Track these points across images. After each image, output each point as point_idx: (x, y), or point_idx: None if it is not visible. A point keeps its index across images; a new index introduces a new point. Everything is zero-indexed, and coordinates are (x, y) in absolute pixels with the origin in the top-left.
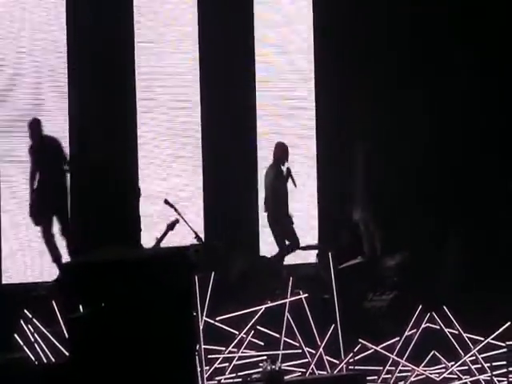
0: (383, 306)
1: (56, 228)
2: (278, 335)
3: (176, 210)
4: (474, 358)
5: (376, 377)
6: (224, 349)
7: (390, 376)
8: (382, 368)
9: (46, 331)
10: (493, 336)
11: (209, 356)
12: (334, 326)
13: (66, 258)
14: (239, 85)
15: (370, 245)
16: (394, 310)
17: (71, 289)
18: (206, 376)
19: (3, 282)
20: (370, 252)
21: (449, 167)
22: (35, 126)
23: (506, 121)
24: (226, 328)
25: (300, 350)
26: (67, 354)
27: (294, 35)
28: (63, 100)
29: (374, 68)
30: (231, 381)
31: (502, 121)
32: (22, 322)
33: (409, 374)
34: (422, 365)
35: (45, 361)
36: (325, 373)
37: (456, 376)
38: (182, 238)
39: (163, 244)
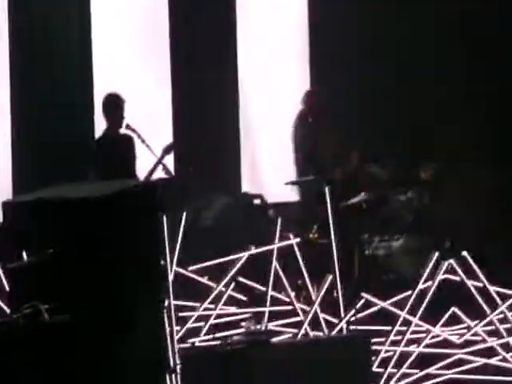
0: (392, 253)
1: None
2: (263, 288)
3: (139, 136)
4: (502, 315)
5: (383, 339)
6: (199, 305)
7: (400, 338)
8: (390, 328)
9: None
10: None
11: (180, 314)
12: (331, 277)
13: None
14: None
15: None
16: (405, 257)
17: (12, 233)
18: (176, 338)
19: None
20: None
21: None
22: None
23: None
24: (201, 280)
25: (291, 307)
26: (8, 309)
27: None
28: None
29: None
30: (207, 343)
31: None
32: None
33: (423, 335)
34: (439, 324)
35: None
36: (321, 334)
37: (480, 338)
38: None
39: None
